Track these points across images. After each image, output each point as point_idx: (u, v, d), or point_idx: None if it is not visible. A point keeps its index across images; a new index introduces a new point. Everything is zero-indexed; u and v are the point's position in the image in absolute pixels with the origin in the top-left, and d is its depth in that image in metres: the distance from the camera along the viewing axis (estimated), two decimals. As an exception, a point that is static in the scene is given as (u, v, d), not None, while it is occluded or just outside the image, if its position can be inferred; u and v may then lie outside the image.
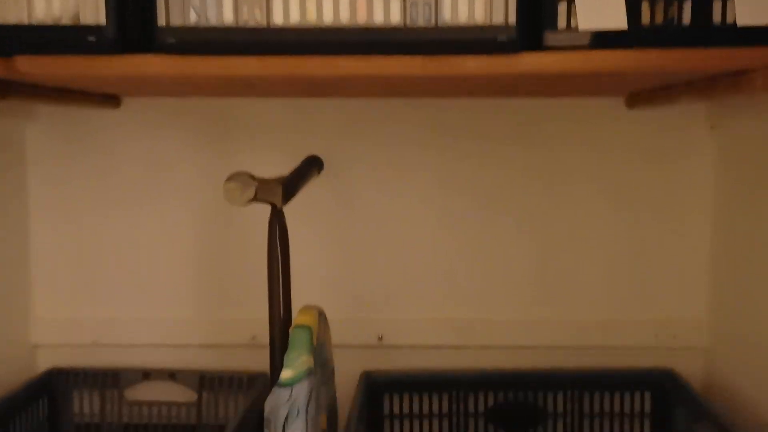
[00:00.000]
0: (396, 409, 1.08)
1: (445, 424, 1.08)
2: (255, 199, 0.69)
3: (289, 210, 0.88)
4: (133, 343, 1.11)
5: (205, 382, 1.08)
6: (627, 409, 1.07)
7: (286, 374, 0.79)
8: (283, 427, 0.78)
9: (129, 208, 1.12)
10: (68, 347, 1.11)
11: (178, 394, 1.09)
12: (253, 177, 0.67)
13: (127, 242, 1.12)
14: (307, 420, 0.78)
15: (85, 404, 1.08)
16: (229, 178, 0.66)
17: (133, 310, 1.12)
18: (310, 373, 0.79)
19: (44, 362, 1.11)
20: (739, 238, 1.03)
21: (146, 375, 1.08)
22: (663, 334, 1.11)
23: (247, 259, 1.11)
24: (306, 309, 0.87)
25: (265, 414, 0.82)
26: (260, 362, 1.08)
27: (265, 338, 0.92)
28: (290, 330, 0.83)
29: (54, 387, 1.07)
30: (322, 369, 0.89)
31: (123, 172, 1.11)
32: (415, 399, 1.08)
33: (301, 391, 0.78)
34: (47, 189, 1.12)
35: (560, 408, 1.08)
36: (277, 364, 0.81)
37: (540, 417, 1.08)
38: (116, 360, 1.11)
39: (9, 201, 1.08)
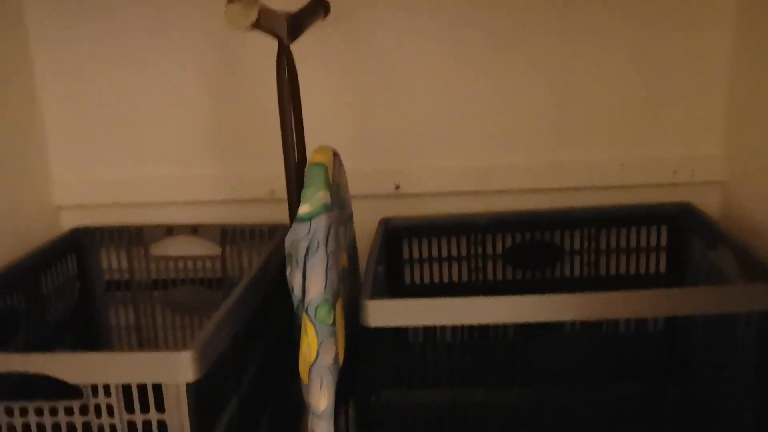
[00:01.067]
0: (415, 254, 1.10)
1: (464, 266, 1.11)
2: (258, 25, 0.66)
3: (299, 55, 0.86)
4: (154, 201, 1.13)
5: (227, 235, 1.10)
6: (643, 244, 1.09)
7: (303, 209, 0.80)
8: (304, 260, 0.80)
9: (138, 66, 1.10)
10: (91, 208, 1.13)
11: (202, 248, 1.12)
12: (256, 0, 0.65)
13: (139, 100, 1.11)
14: (327, 253, 0.80)
15: (113, 261, 1.12)
16: (231, 0, 0.64)
17: (152, 169, 1.13)
18: (327, 207, 0.80)
19: (69, 224, 1.13)
20: (757, 72, 1.00)
21: (170, 231, 1.10)
22: (681, 171, 1.10)
23: (263, 115, 1.10)
24: (321, 148, 0.86)
25: (286, 250, 0.84)
26: (279, 215, 1.09)
27: (283, 192, 0.93)
28: (306, 168, 0.83)
29: (81, 245, 1.10)
30: (340, 210, 0.90)
31: (128, 30, 1.09)
32: (434, 243, 1.10)
33: (320, 224, 0.79)
34: (51, 49, 1.10)
35: (577, 246, 1.10)
36: (294, 207, 0.82)
37: (557, 255, 1.10)
38: (139, 218, 1.13)
39: (11, 63, 1.07)
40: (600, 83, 1.09)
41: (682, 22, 1.06)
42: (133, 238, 1.11)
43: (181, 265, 1.12)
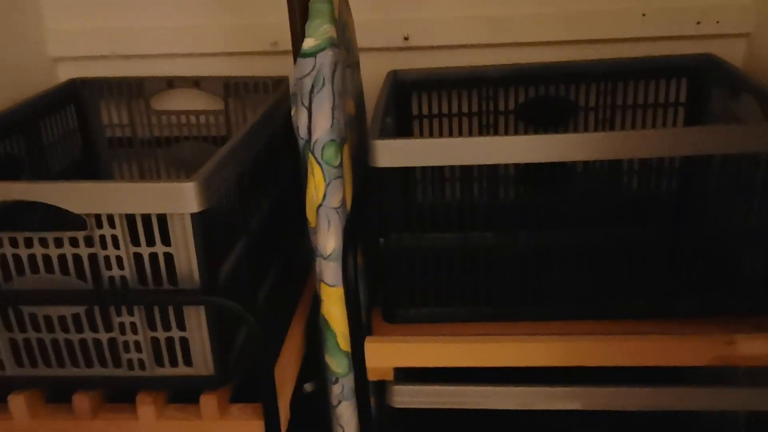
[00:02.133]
0: (424, 110, 1.07)
1: (475, 122, 1.07)
2: None
3: None
4: (153, 53, 1.09)
5: (230, 88, 1.06)
6: (662, 99, 1.04)
7: (308, 43, 0.76)
8: (310, 98, 0.77)
9: None
10: (88, 60, 1.09)
11: (205, 102, 1.09)
12: None
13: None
14: (333, 91, 0.77)
15: (113, 116, 1.09)
16: None
17: (150, 19, 1.08)
18: (332, 42, 0.76)
19: (67, 76, 1.09)
20: None
21: (170, 83, 1.07)
22: (706, 21, 1.04)
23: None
24: (325, -18, 0.81)
25: (291, 91, 0.81)
26: (283, 68, 1.05)
27: (286, 44, 0.88)
28: (309, 2, 0.78)
29: (80, 97, 1.06)
30: (346, 52, 0.86)
31: None
32: (444, 98, 1.06)
33: (325, 60, 0.76)
34: None
35: (592, 101, 1.06)
36: (299, 49, 0.78)
37: (571, 111, 1.06)
38: (138, 71, 1.09)
39: None
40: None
41: None
42: (134, 90, 1.07)
43: (183, 120, 1.09)
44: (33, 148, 0.94)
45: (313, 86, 0.76)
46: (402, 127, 1.06)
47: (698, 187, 0.81)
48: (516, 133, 1.07)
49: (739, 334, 0.79)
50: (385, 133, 0.80)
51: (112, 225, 0.67)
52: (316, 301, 0.83)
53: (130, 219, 0.67)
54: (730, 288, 0.82)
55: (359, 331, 0.81)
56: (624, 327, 0.82)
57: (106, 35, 1.08)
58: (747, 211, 0.78)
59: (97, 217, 0.66)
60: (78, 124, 1.07)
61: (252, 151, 0.82)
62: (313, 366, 0.94)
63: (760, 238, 0.79)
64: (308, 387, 0.94)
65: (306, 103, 0.77)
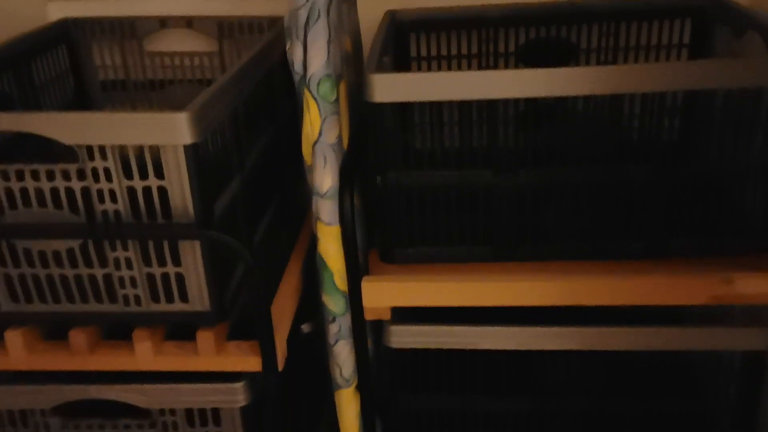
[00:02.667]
0: (423, 51, 1.05)
1: (474, 65, 1.05)
2: None
3: None
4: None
5: (224, 29, 1.04)
6: (665, 40, 1.02)
7: (303, -27, 0.74)
8: (305, 31, 0.75)
9: None
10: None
11: (199, 44, 1.07)
12: None
13: None
14: (329, 24, 0.75)
15: (106, 57, 1.07)
16: None
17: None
18: (328, -27, 0.74)
19: (58, 16, 1.06)
20: None
21: (163, 23, 1.04)
22: (712, -41, 1.01)
23: None
24: None
25: (285, 24, 0.79)
26: (278, 8, 1.03)
27: None
28: (304, -69, 0.76)
29: (72, 37, 1.04)
30: (342, -14, 0.84)
31: None
32: (443, 39, 1.04)
33: (321, -10, 0.74)
34: None
35: (594, 43, 1.04)
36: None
37: (572, 54, 1.04)
38: (130, 11, 1.06)
39: None
40: None
41: None
42: (126, 30, 1.05)
43: (177, 62, 1.07)
44: (24, 87, 0.93)
45: (308, 19, 0.74)
46: (400, 69, 1.04)
47: (700, 124, 0.80)
48: (516, 75, 1.05)
49: (737, 273, 0.79)
50: (383, 69, 0.78)
51: (104, 157, 0.66)
52: (314, 241, 0.83)
53: (124, 154, 0.66)
54: (728, 227, 0.82)
55: (356, 270, 0.80)
56: (622, 267, 0.82)
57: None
58: (749, 148, 0.77)
59: (89, 148, 0.65)
60: (70, 65, 1.05)
61: (246, 87, 0.80)
62: (311, 308, 0.94)
63: (761, 175, 0.78)
64: (305, 327, 0.94)
65: (301, 37, 0.75)
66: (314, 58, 0.75)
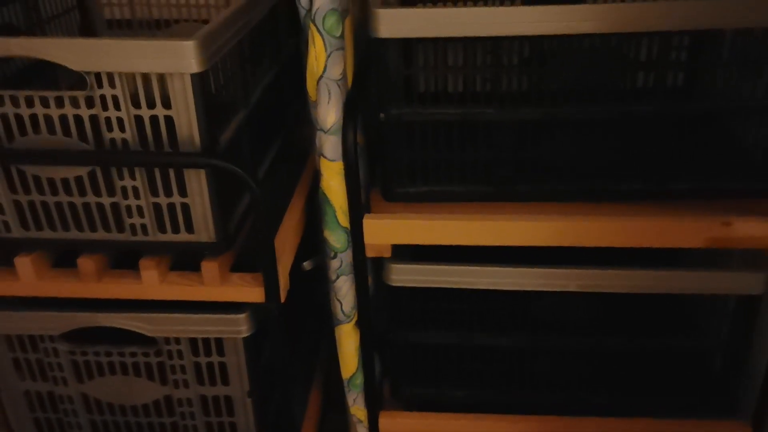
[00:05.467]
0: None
1: (480, 2, 1.05)
2: None
3: None
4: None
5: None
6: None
7: None
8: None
9: None
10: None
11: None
12: None
13: None
14: (335, -42, 0.75)
15: (112, -6, 1.07)
16: None
17: None
18: None
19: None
20: None
21: (169, -39, 1.04)
22: None
23: None
24: None
25: (292, -43, 0.79)
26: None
27: None
28: None
29: (77, -28, 1.04)
30: None
31: None
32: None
33: None
34: None
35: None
36: None
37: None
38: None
39: None
40: None
41: None
42: (131, -34, 1.05)
43: (182, 1, 1.06)
44: (31, 19, 0.93)
45: (314, -49, 0.74)
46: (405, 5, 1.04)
47: (706, 63, 0.80)
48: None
49: (736, 216, 0.80)
50: (388, 4, 0.78)
51: (113, 85, 0.66)
52: (317, 178, 0.84)
53: (131, 82, 0.67)
54: (728, 170, 0.83)
55: (358, 206, 0.82)
56: (621, 209, 0.83)
57: None
58: (754, 88, 0.78)
59: (98, 75, 0.66)
60: (76, 2, 1.05)
61: (251, 20, 0.80)
62: (313, 246, 0.96)
63: (764, 116, 0.79)
64: (307, 265, 0.96)
65: (307, -30, 0.75)
66: (320, -9, 0.75)
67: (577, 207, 0.84)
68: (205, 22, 1.08)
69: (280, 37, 0.93)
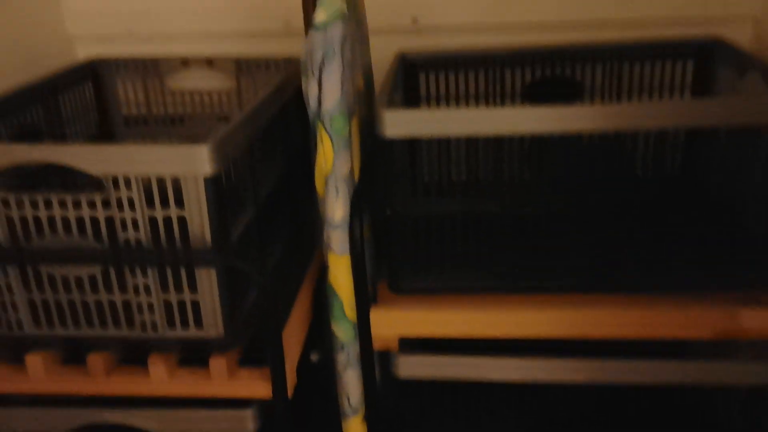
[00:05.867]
0: (432, 90, 1.08)
1: (482, 103, 1.09)
2: None
3: None
4: (169, 31, 1.11)
5: (242, 67, 1.08)
6: (668, 80, 1.06)
7: (319, 16, 0.78)
8: (320, 69, 0.79)
9: None
10: (105, 38, 1.12)
11: (217, 81, 1.11)
12: None
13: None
14: (343, 63, 0.79)
15: (129, 94, 1.11)
16: None
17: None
18: (343, 16, 0.78)
19: (84, 54, 1.12)
20: None
21: (185, 62, 1.09)
22: (712, 2, 1.05)
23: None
24: (336, -42, 0.83)
25: (301, 61, 0.83)
26: (294, 49, 1.07)
27: (299, 25, 0.89)
28: (321, -23, 0.80)
29: (98, 74, 1.09)
30: (357, 27, 0.88)
31: None
32: (451, 78, 1.08)
33: (336, 32, 0.78)
34: None
35: (599, 82, 1.07)
36: (311, 23, 0.80)
37: (578, 92, 1.08)
38: (154, 50, 1.12)
39: None
40: None
41: None
42: (149, 69, 1.09)
43: (196, 98, 1.11)
44: (52, 120, 0.97)
45: (323, 58, 0.78)
46: (410, 106, 1.08)
47: (702, 157, 0.82)
48: (523, 113, 1.09)
49: (743, 307, 0.80)
50: (394, 105, 0.82)
51: (129, 187, 0.69)
52: (325, 270, 0.85)
53: (146, 182, 0.69)
54: (733, 261, 0.83)
55: (365, 299, 0.83)
56: (628, 300, 0.83)
57: (124, 14, 1.11)
58: (751, 182, 0.79)
59: (115, 179, 0.69)
60: (95, 101, 1.09)
61: (263, 121, 0.84)
62: (321, 338, 0.96)
63: (764, 209, 0.80)
64: (314, 357, 0.96)
65: (316, 75, 0.79)
66: (328, 94, 0.78)
67: (584, 298, 0.84)
68: (218, 116, 1.12)
69: (290, 132, 0.96)
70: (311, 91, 0.80)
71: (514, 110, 0.77)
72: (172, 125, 1.13)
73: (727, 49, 0.99)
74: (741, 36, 1.06)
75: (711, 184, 0.83)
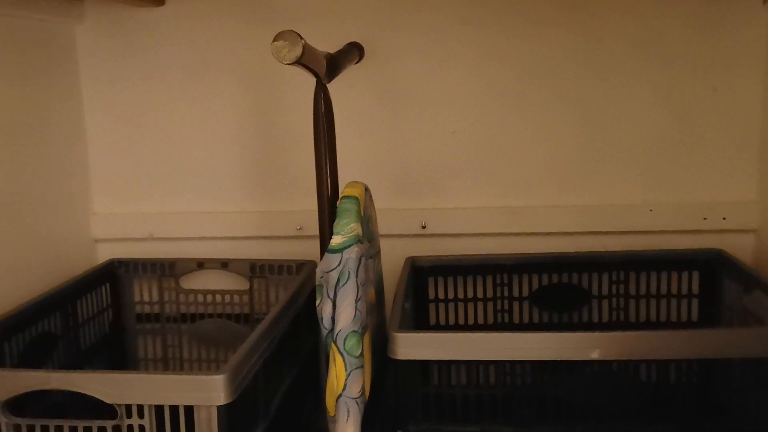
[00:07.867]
0: (441, 294, 1.11)
1: (490, 307, 1.11)
2: (301, 61, 0.69)
3: (332, 98, 0.89)
4: (187, 236, 1.16)
5: (256, 270, 1.12)
6: (674, 290, 1.08)
7: (335, 240, 0.81)
8: (335, 291, 0.81)
9: (177, 106, 1.15)
10: (126, 241, 1.16)
11: (231, 282, 1.14)
12: (299, 36, 0.68)
13: (178, 139, 1.16)
14: (357, 284, 0.81)
15: (144, 293, 1.14)
16: (277, 37, 0.67)
17: (186, 205, 1.17)
18: (358, 239, 0.82)
19: (104, 255, 1.16)
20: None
21: (200, 264, 1.12)
22: (712, 217, 1.10)
23: (291, 157, 1.14)
24: (353, 183, 0.88)
25: (317, 281, 0.85)
26: (307, 252, 1.11)
27: (311, 229, 0.92)
28: (338, 201, 0.85)
29: (115, 276, 1.12)
30: (369, 243, 0.92)
31: (170, 68, 1.14)
32: (459, 283, 1.10)
33: (351, 255, 0.81)
34: (99, 88, 1.16)
35: (605, 290, 1.09)
36: (325, 239, 0.84)
37: (585, 299, 1.10)
38: (171, 252, 1.16)
39: (65, 100, 1.12)
40: (628, 124, 1.10)
41: (713, 63, 1.07)
42: (166, 270, 1.13)
43: (210, 298, 1.13)
44: (68, 325, 0.98)
45: (338, 280, 0.80)
46: (419, 310, 1.10)
47: (718, 383, 0.82)
48: (530, 319, 1.10)
49: None
50: (405, 324, 0.83)
51: (141, 415, 0.69)
52: (333, 493, 0.82)
53: (158, 408, 0.69)
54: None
55: None
56: None
57: (144, 219, 1.16)
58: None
59: (128, 407, 0.68)
60: (111, 300, 1.11)
61: (276, 338, 0.85)
62: None
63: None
64: None
65: (331, 296, 0.81)
66: (342, 315, 0.80)
67: None
68: (228, 315, 1.14)
69: (300, 344, 0.97)
70: (326, 310, 0.82)
71: (519, 336, 0.78)
72: (183, 323, 1.14)
73: (730, 263, 1.02)
74: (744, 247, 1.09)
75: (730, 407, 0.82)
